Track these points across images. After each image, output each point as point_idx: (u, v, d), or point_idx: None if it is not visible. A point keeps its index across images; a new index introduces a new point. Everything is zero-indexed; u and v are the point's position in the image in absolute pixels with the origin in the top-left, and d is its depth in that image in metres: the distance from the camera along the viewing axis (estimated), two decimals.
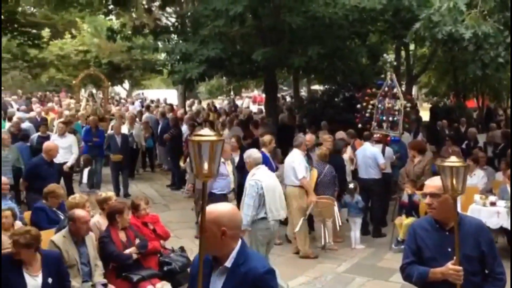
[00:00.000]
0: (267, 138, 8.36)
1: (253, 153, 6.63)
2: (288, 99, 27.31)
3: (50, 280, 4.37)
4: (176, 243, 6.94)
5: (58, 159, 9.41)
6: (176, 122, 13.40)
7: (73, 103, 18.18)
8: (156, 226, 6.18)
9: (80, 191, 9.32)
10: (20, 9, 15.44)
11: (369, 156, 8.83)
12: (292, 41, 11.53)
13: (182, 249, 6.36)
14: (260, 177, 6.26)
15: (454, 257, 3.14)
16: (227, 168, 7.97)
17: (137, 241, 5.68)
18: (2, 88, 28.32)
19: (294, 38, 11.29)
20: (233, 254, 2.62)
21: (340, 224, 8.15)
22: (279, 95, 21.45)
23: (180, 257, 6.07)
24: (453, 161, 3.04)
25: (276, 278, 2.73)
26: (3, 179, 6.98)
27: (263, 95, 31.99)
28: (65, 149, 10.10)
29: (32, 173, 8.05)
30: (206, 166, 3.23)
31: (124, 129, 12.65)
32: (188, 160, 11.55)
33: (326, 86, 17.58)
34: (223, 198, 7.45)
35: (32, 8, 18.28)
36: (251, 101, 32.81)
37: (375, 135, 9.54)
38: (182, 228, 9.06)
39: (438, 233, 3.36)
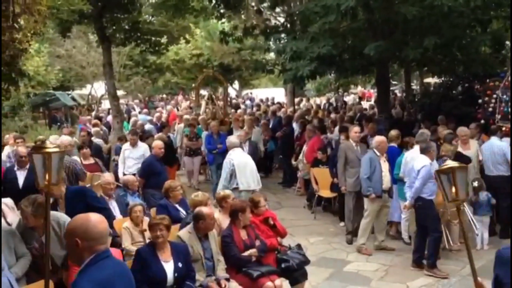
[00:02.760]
0: (394, 133, 8.77)
1: (231, 138, 8.49)
2: (398, 94, 26.28)
3: (180, 264, 4.88)
4: (290, 240, 7.00)
5: (129, 170, 9.48)
6: (289, 120, 13.47)
7: (188, 105, 19.02)
8: (276, 222, 6.29)
9: None
10: (140, 18, 16.44)
11: (497, 152, 8.23)
12: (405, 33, 11.03)
13: (298, 246, 6.39)
14: (233, 156, 7.89)
15: None
16: (386, 167, 7.79)
17: (258, 242, 5.78)
18: (126, 92, 30.71)
19: (407, 29, 10.80)
20: (83, 265, 2.70)
21: (477, 227, 7.72)
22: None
23: (297, 254, 6.11)
24: None
25: None
26: (109, 175, 7.40)
27: (372, 91, 31.35)
28: (137, 159, 9.61)
29: (146, 171, 8.58)
30: (47, 176, 3.35)
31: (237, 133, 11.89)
32: (300, 157, 11.61)
33: (442, 79, 16.60)
34: (431, 203, 6.98)
35: (150, 17, 19.46)
36: (357, 97, 32.08)
37: (502, 128, 8.86)
38: (295, 225, 9.10)
39: None
